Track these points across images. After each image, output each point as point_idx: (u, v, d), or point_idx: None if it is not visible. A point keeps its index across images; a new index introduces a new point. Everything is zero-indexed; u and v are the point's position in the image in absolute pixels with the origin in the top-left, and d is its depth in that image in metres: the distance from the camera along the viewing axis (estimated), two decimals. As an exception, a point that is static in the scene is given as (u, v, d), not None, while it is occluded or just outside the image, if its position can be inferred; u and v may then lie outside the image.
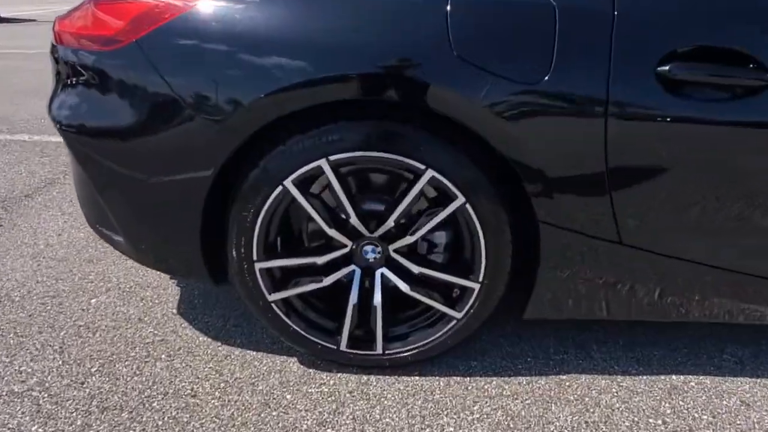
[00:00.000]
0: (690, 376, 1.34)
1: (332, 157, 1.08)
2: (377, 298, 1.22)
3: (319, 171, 1.09)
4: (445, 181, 1.08)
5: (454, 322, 1.24)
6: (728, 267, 1.16)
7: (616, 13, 0.99)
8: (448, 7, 1.01)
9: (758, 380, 1.33)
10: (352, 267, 1.23)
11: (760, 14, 1.02)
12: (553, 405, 1.24)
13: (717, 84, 1.01)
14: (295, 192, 1.11)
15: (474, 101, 1.01)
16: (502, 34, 1.02)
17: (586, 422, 1.20)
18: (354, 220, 1.15)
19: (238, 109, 1.03)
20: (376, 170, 1.21)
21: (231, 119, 1.04)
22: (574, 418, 1.20)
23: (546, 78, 1.00)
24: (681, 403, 1.26)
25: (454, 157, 1.08)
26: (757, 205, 1.08)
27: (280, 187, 1.10)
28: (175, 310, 1.55)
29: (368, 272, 1.24)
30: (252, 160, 1.10)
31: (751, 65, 1.00)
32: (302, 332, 1.24)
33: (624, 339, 1.45)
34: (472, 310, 1.22)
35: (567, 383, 1.31)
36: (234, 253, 1.16)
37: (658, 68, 0.99)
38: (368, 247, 1.21)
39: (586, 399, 1.26)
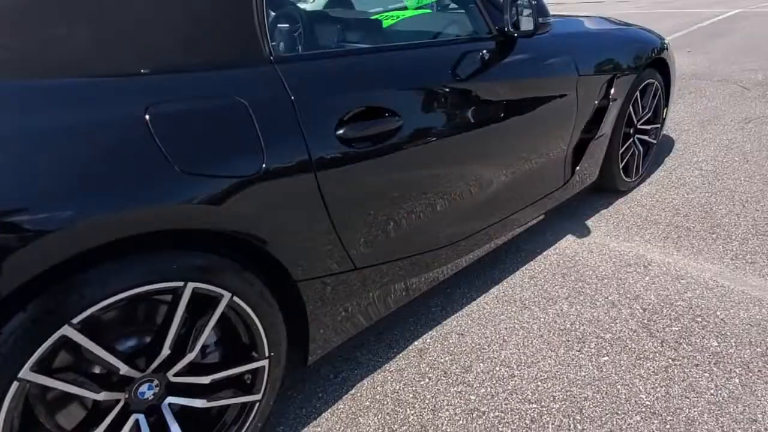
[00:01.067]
0: (422, 337, 1.75)
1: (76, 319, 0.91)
2: (176, 430, 1.12)
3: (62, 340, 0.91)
4: (207, 287, 1.08)
5: (257, 404, 1.26)
6: (419, 252, 1.58)
7: (293, 98, 1.18)
8: (152, 129, 0.98)
9: (460, 314, 1.85)
10: (134, 417, 1.08)
11: (388, 81, 1.40)
12: (359, 417, 1.44)
13: (372, 134, 1.33)
14: (33, 377, 0.90)
15: (208, 206, 1.03)
16: (214, 139, 1.06)
17: (388, 414, 1.44)
18: (124, 368, 1.01)
19: None
20: (113, 308, 1.07)
21: None
22: (378, 418, 1.43)
23: (263, 165, 1.11)
24: (432, 356, 1.65)
25: (207, 261, 1.08)
26: (422, 212, 1.51)
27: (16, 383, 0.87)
28: None
29: (153, 411, 1.11)
30: None
31: (386, 114, 1.36)
32: None
33: (373, 335, 1.76)
34: (268, 385, 1.27)
35: (357, 394, 1.52)
36: None
37: (336, 132, 1.24)
38: (143, 387, 1.08)
39: (378, 396, 1.51)
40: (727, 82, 4.71)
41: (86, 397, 1.00)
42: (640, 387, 1.49)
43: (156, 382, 1.10)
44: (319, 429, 1.41)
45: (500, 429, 1.39)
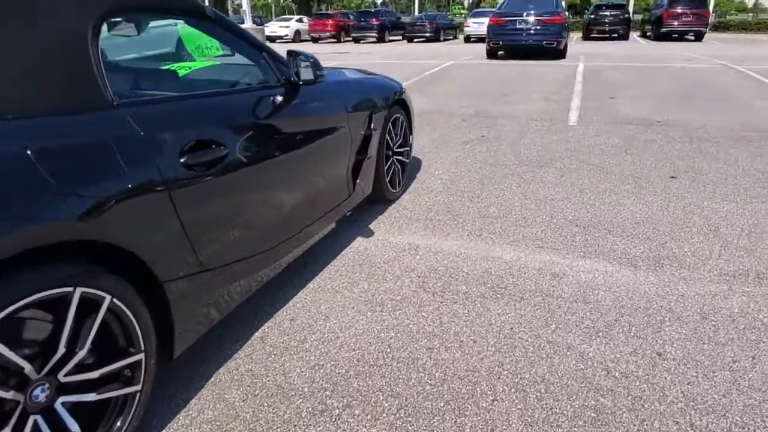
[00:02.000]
0: (261, 328, 2.10)
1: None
2: (74, 426, 1.27)
3: None
4: (92, 291, 1.28)
5: (138, 394, 1.45)
6: (251, 254, 1.95)
7: (142, 134, 1.47)
8: (34, 161, 1.17)
9: (288, 305, 2.25)
10: (33, 418, 1.20)
11: (210, 120, 1.76)
12: (224, 394, 1.72)
13: (208, 160, 1.68)
14: None
15: (82, 221, 1.25)
16: (84, 167, 1.29)
17: (248, 386, 1.76)
18: (27, 367, 1.15)
19: None
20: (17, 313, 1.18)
21: None
22: (240, 390, 1.74)
23: (127, 185, 1.37)
24: (272, 339, 2.01)
25: (90, 269, 1.28)
26: (248, 221, 1.90)
27: None
28: None
29: (48, 412, 1.24)
30: None
31: (214, 146, 1.73)
32: None
33: (219, 336, 2.03)
34: (146, 376, 1.48)
35: (217, 379, 1.80)
36: None
37: (180, 160, 1.56)
38: (37, 390, 1.22)
39: (235, 377, 1.81)
40: (450, 116, 6.18)
41: None
42: (423, 323, 2.12)
43: (47, 384, 1.24)
44: (190, 413, 1.65)
45: (336, 373, 1.84)
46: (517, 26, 12.05)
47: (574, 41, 20.27)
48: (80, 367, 1.31)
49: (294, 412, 1.65)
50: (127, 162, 1.39)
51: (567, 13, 14.63)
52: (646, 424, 1.57)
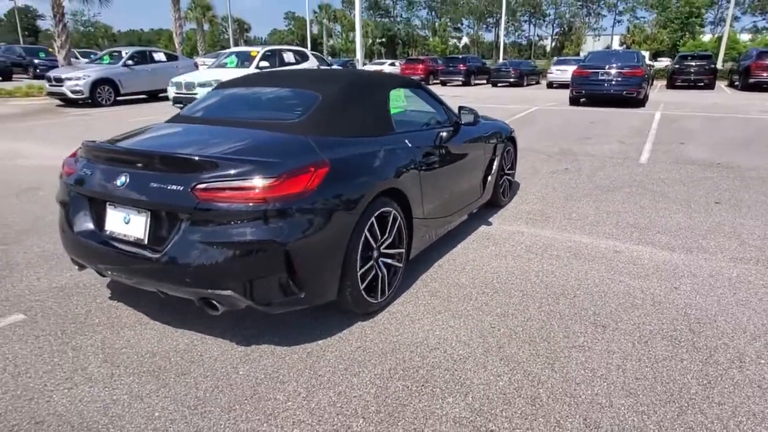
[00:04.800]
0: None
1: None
2: (383, 271, 2.89)
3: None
4: (393, 210, 2.91)
5: (401, 270, 3.07)
6: (443, 215, 3.55)
7: (409, 145, 3.14)
8: (375, 151, 2.88)
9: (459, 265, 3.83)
10: (373, 263, 2.84)
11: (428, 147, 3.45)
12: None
13: (429, 160, 3.33)
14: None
15: (391, 179, 2.91)
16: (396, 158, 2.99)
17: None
18: (375, 244, 2.81)
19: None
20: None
21: None
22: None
23: (403, 166, 3.04)
24: (450, 263, 3.58)
25: (391, 201, 2.92)
26: (442, 194, 3.54)
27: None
28: (278, 350, 2.54)
29: (376, 263, 2.88)
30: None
31: (431, 154, 3.37)
32: None
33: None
34: (403, 262, 3.08)
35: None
36: None
37: (421, 157, 3.21)
38: (375, 252, 2.84)
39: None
40: (538, 152, 7.65)
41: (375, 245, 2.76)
42: (531, 266, 3.61)
43: (377, 251, 2.86)
44: (414, 289, 3.23)
45: (483, 282, 3.36)
46: (600, 77, 13.37)
47: (657, 89, 21.02)
48: (387, 246, 2.94)
49: (467, 292, 3.19)
50: (404, 156, 3.05)
51: (649, 66, 15.66)
52: (661, 317, 2.95)
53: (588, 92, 13.50)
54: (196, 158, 2.32)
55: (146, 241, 2.40)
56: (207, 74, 12.72)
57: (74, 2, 24.42)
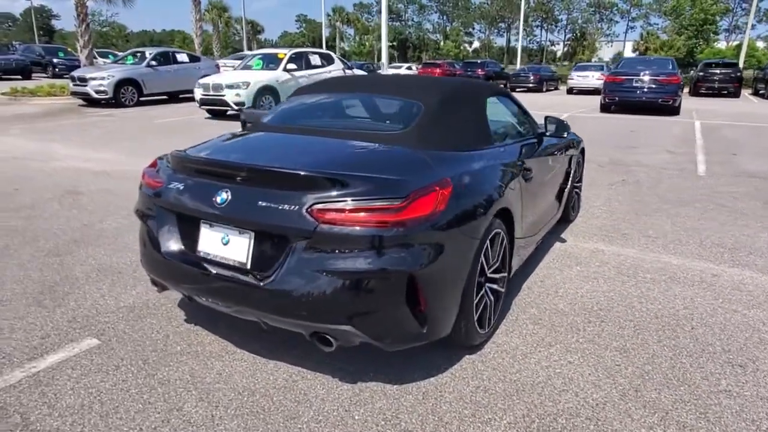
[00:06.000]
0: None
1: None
2: (490, 297, 2.62)
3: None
4: (501, 231, 2.65)
5: (503, 294, 2.80)
6: (531, 234, 3.28)
7: (506, 154, 2.87)
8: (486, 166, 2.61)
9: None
10: (483, 288, 2.57)
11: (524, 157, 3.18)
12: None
13: (523, 170, 3.06)
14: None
15: (500, 200, 2.64)
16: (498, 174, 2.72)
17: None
18: (484, 266, 2.54)
19: None
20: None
21: None
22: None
23: (507, 182, 2.77)
24: (540, 284, 3.31)
25: (503, 227, 2.65)
26: (536, 210, 3.26)
27: None
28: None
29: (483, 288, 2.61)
30: None
31: (523, 167, 3.10)
32: None
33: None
34: (505, 285, 2.81)
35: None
36: None
37: (522, 170, 2.95)
38: (482, 278, 2.58)
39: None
40: (588, 162, 7.35)
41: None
42: (628, 290, 3.32)
43: (484, 279, 2.59)
44: (512, 312, 2.96)
45: (582, 310, 3.08)
46: (634, 84, 13.06)
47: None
48: (493, 270, 2.67)
49: (571, 321, 2.91)
50: (507, 171, 2.77)
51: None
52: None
53: (621, 99, 13.20)
54: (315, 174, 2.06)
55: (249, 266, 2.14)
56: (235, 76, 12.51)
57: (99, 2, 24.24)
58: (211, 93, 12.30)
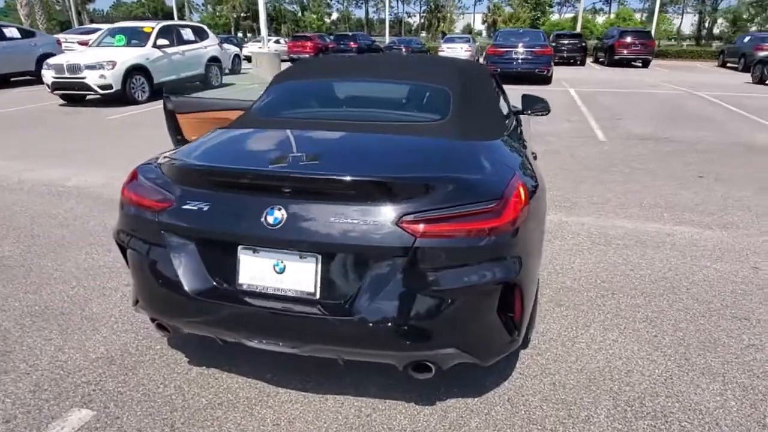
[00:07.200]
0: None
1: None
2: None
3: None
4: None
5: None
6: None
7: (517, 147, 2.78)
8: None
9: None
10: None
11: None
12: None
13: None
14: None
15: None
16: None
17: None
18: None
19: None
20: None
21: None
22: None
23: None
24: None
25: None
26: None
27: None
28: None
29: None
30: None
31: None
32: None
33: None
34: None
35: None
36: None
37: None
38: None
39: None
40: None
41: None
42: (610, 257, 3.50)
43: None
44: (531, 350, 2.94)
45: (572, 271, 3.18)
46: (513, 56, 13.90)
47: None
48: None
49: (587, 297, 2.97)
50: (528, 159, 2.69)
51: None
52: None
53: (503, 70, 14.00)
54: (399, 181, 1.76)
55: (318, 296, 1.78)
56: (95, 54, 10.75)
57: None
58: (67, 75, 10.46)
